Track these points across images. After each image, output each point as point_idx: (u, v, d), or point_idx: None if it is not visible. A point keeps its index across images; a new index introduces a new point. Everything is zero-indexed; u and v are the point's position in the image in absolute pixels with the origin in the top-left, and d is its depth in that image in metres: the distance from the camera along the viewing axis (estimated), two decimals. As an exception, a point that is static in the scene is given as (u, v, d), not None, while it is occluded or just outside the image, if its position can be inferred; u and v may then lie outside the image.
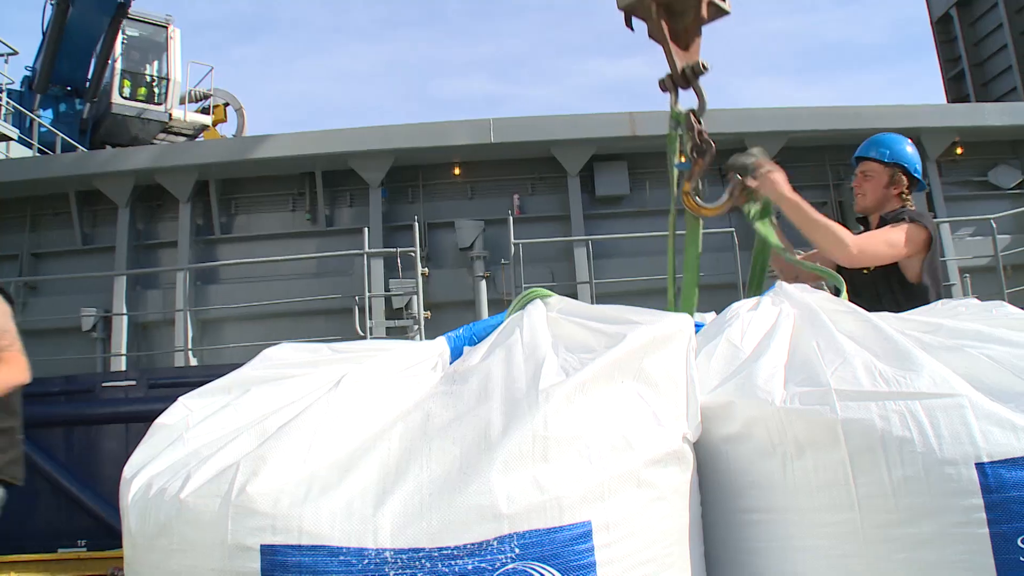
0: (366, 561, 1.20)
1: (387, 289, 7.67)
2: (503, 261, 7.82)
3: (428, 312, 7.15)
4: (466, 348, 1.98)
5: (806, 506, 1.50)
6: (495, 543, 1.22)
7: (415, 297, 7.83)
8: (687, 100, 2.68)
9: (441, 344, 1.99)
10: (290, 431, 1.41)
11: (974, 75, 18.45)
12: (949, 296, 4.20)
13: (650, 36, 2.54)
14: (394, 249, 7.27)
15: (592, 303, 7.94)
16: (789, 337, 1.76)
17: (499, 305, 8.33)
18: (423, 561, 1.21)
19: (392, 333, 7.63)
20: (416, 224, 7.15)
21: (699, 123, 2.54)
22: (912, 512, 1.38)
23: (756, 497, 1.58)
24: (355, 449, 1.40)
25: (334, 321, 7.51)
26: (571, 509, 1.28)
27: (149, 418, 1.76)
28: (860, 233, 3.07)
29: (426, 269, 7.09)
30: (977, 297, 2.50)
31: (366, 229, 7.43)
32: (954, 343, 1.69)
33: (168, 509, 1.37)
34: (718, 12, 2.51)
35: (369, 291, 7.14)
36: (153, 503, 1.42)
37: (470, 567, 1.21)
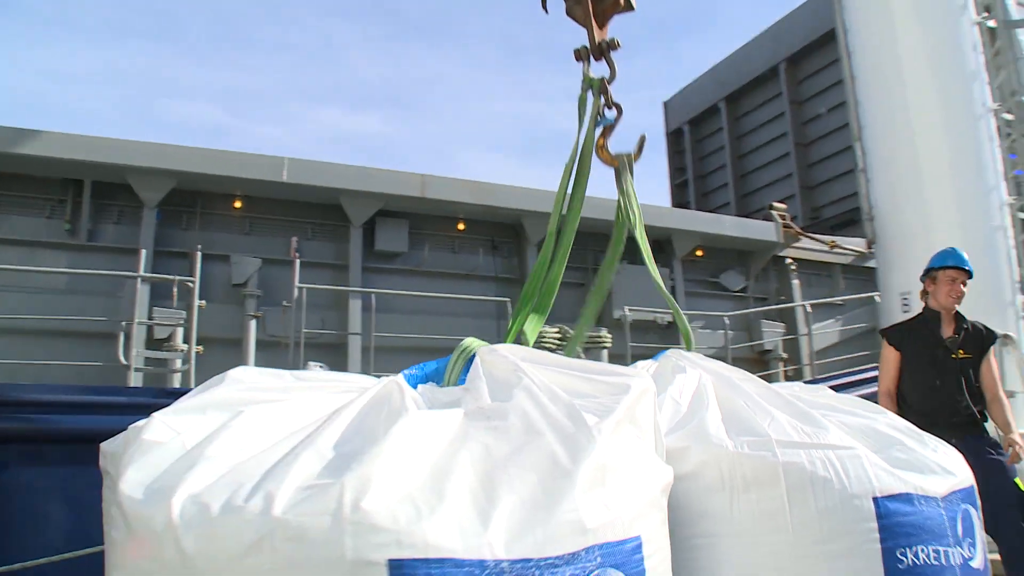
0: (487, 571, 1.37)
1: (151, 317, 7.11)
2: (285, 303, 7.64)
3: (200, 347, 6.74)
4: (434, 387, 2.15)
5: (749, 531, 1.91)
6: (583, 553, 1.47)
7: (179, 329, 7.37)
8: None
9: (401, 381, 2.16)
10: (372, 454, 1.52)
11: (697, 186, 21.60)
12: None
13: (568, 14, 2.95)
14: (172, 277, 6.79)
15: (364, 355, 8.08)
16: (715, 397, 2.20)
17: (266, 347, 8.09)
18: (532, 570, 1.41)
19: (151, 364, 7.07)
20: (200, 254, 6.76)
21: (608, 91, 2.89)
22: (831, 534, 1.86)
23: (705, 525, 1.96)
24: (433, 473, 1.55)
25: (89, 345, 6.75)
26: (627, 525, 1.57)
27: None
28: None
29: (203, 302, 6.71)
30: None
31: (143, 251, 6.87)
32: (819, 413, 2.25)
33: (258, 527, 1.38)
34: (628, 6, 2.94)
35: (137, 318, 6.58)
36: (227, 522, 1.42)
37: (568, 573, 1.43)
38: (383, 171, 8.66)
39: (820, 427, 2.03)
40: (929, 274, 4.28)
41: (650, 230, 10.32)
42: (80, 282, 7.16)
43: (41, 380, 6.57)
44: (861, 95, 7.73)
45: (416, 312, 9.01)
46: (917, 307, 6.84)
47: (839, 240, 12.55)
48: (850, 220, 17.52)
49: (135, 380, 6.79)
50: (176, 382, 7.16)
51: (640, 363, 2.55)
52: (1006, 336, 6.29)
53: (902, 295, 7.17)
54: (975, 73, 7.02)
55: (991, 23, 7.71)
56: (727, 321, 9.69)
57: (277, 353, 7.93)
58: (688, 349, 2.60)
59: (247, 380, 1.96)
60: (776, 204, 13.01)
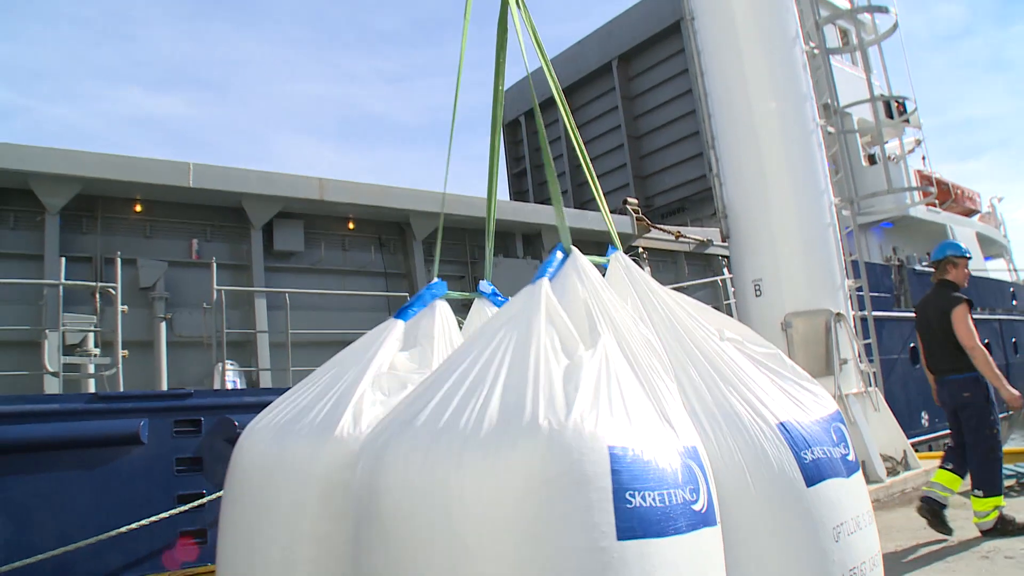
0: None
1: (62, 323, 7.08)
2: (205, 305, 7.81)
3: (126, 351, 6.83)
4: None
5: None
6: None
7: (90, 335, 7.40)
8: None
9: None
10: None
11: (534, 175, 22.76)
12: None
13: None
14: (94, 284, 6.82)
15: (268, 351, 8.63)
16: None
17: (177, 347, 8.22)
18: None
19: (69, 369, 7.06)
20: (119, 259, 6.83)
21: None
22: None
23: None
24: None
25: (16, 354, 6.65)
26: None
27: None
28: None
29: (125, 307, 6.80)
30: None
31: (63, 259, 6.80)
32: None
33: (515, 439, 2.04)
34: None
35: (61, 325, 6.59)
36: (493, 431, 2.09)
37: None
38: (284, 175, 8.96)
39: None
40: (951, 260, 5.65)
41: (521, 226, 11.62)
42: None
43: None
44: (714, 109, 8.93)
45: (315, 308, 9.37)
46: (768, 290, 8.21)
47: (683, 231, 14.05)
48: (679, 208, 19.45)
49: (58, 387, 6.81)
50: (91, 387, 7.19)
51: None
52: (838, 314, 7.69)
53: (754, 281, 8.47)
54: (806, 95, 8.41)
55: (816, 51, 9.17)
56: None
57: (188, 353, 8.08)
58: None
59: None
60: (629, 199, 14.29)
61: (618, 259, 3.38)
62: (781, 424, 2.76)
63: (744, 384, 2.84)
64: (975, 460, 5.20)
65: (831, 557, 2.61)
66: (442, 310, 3.51)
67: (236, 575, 2.90)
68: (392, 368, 3.18)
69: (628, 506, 1.99)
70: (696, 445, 2.40)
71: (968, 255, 5.70)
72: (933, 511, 5.25)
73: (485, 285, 3.79)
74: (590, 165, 3.49)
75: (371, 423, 2.78)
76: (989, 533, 5.09)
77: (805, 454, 2.74)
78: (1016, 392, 5.16)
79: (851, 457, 3.00)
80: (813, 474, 2.66)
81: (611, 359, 2.42)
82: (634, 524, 1.98)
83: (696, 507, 2.19)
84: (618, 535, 1.94)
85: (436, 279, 3.62)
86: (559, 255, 2.96)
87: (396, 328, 3.34)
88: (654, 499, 2.05)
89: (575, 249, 2.92)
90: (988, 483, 5.09)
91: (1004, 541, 4.93)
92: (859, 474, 2.97)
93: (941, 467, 5.43)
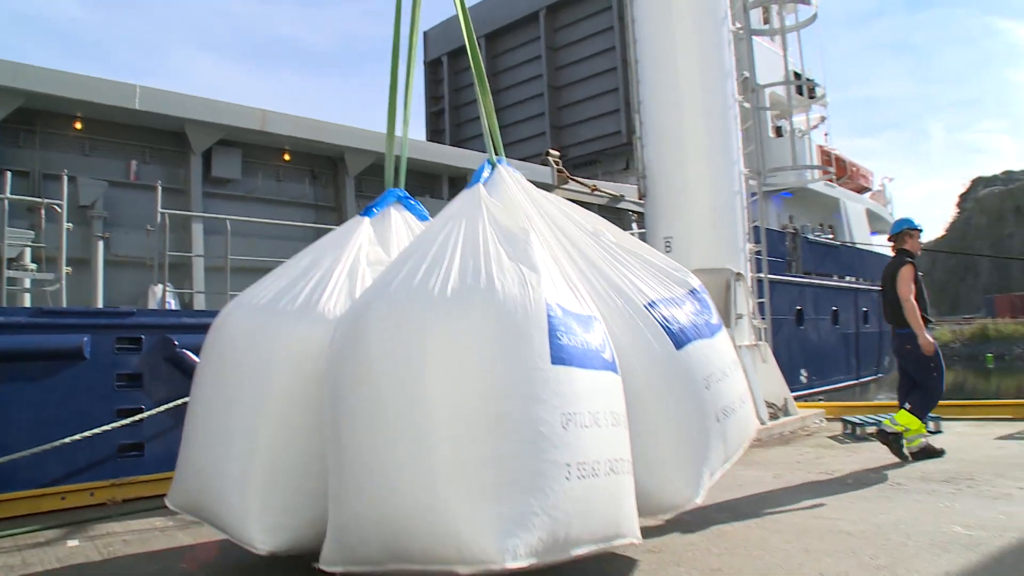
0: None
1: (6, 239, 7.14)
2: (149, 227, 7.93)
3: (70, 268, 6.96)
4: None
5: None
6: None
7: (26, 250, 7.49)
8: None
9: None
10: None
11: (452, 116, 22.96)
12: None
13: None
14: (40, 200, 6.89)
15: (203, 275, 8.98)
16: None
17: (115, 266, 8.36)
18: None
19: (8, 284, 7.15)
20: (65, 176, 6.91)
21: None
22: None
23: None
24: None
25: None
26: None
27: None
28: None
29: (71, 224, 6.91)
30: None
31: (8, 174, 6.82)
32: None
33: (476, 294, 2.75)
34: None
35: (5, 240, 6.66)
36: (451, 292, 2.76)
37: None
38: (228, 104, 9.09)
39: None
40: (908, 232, 6.49)
41: (448, 169, 12.11)
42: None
43: None
44: (642, 75, 9.52)
45: (246, 235, 9.58)
46: (678, 248, 8.99)
47: (598, 184, 14.74)
48: (592, 160, 20.19)
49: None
50: (27, 301, 7.31)
51: None
52: (738, 274, 8.57)
53: (665, 238, 9.23)
54: (729, 71, 9.13)
55: (742, 32, 9.88)
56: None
57: (124, 272, 8.24)
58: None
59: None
60: (551, 151, 14.86)
61: (506, 169, 3.97)
62: (650, 302, 3.56)
63: (619, 273, 3.67)
64: (918, 392, 6.11)
65: (705, 400, 3.52)
66: (398, 210, 4.26)
67: (208, 426, 3.43)
68: (364, 257, 3.78)
69: (559, 342, 2.77)
70: (595, 315, 3.18)
71: (920, 228, 6.61)
72: (890, 440, 6.02)
73: (398, 191, 4.38)
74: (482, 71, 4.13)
75: (347, 304, 3.36)
76: (917, 455, 6.02)
77: (671, 324, 3.53)
78: (931, 340, 6.09)
79: (714, 321, 3.89)
80: (680, 339, 3.52)
81: (539, 244, 3.18)
82: (563, 355, 2.76)
83: (605, 356, 3.01)
84: (552, 360, 2.71)
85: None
86: (487, 168, 3.78)
87: (363, 224, 3.94)
88: (577, 342, 2.86)
89: (501, 161, 3.74)
90: (919, 409, 6.03)
91: (915, 467, 5.82)
92: (723, 332, 3.84)
93: (900, 407, 6.23)
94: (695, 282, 3.94)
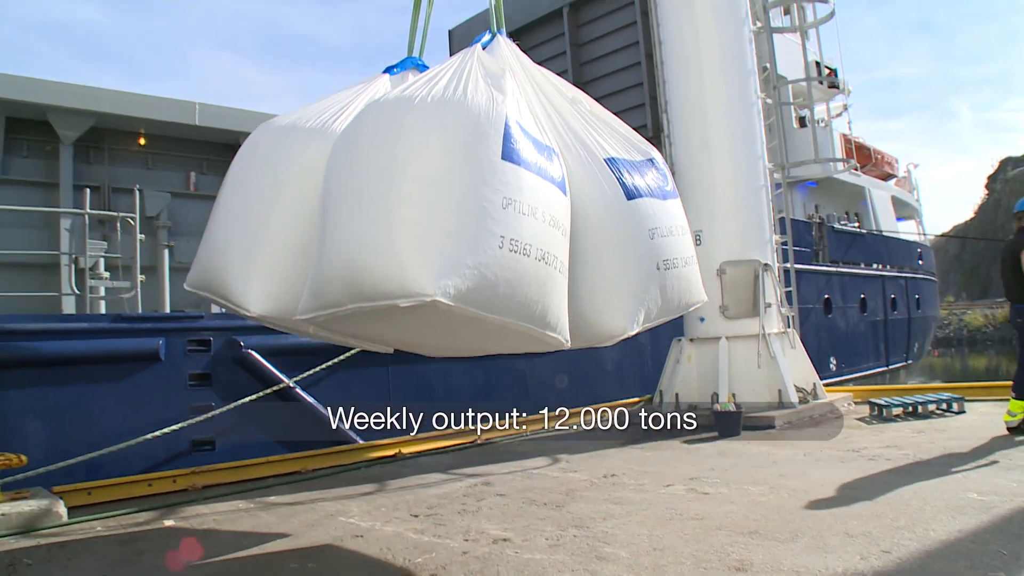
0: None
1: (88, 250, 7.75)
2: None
3: (143, 276, 7.55)
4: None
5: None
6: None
7: (100, 259, 8.09)
8: None
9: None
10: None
11: None
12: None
13: None
14: (116, 214, 7.50)
15: None
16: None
17: (178, 272, 8.93)
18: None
19: (90, 292, 7.76)
20: (137, 191, 7.48)
21: None
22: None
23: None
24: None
25: (31, 276, 7.29)
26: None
27: None
28: None
29: (143, 236, 7.50)
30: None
31: (87, 190, 7.42)
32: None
33: (450, 101, 3.29)
34: None
35: (75, 250, 7.28)
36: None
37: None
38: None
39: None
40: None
41: None
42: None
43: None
44: (668, 75, 9.94)
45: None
46: (707, 241, 9.39)
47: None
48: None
49: (74, 307, 7.50)
50: (102, 308, 7.90)
51: None
52: (766, 264, 8.96)
53: (695, 232, 9.61)
54: (751, 70, 9.51)
55: (762, 31, 10.24)
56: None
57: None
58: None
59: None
60: None
61: (503, 40, 4.34)
62: (609, 158, 4.05)
63: (586, 131, 4.10)
64: (1019, 369, 6.46)
65: (648, 248, 3.95)
66: (414, 74, 4.63)
67: (228, 214, 4.04)
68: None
69: (511, 146, 3.27)
70: (555, 150, 3.66)
71: None
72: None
73: (415, 58, 4.82)
74: None
75: None
76: (1013, 430, 6.33)
77: (625, 179, 4.04)
78: None
79: (668, 188, 4.31)
80: (632, 192, 4.01)
81: (513, 82, 3.70)
82: (513, 156, 3.26)
83: (555, 175, 3.49)
84: (502, 156, 3.21)
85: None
86: (487, 35, 4.17)
87: (384, 78, 4.52)
88: (528, 148, 3.37)
89: (502, 32, 4.14)
90: (1020, 388, 6.37)
91: (938, 444, 6.16)
92: (676, 201, 4.31)
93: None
94: (656, 155, 4.38)
